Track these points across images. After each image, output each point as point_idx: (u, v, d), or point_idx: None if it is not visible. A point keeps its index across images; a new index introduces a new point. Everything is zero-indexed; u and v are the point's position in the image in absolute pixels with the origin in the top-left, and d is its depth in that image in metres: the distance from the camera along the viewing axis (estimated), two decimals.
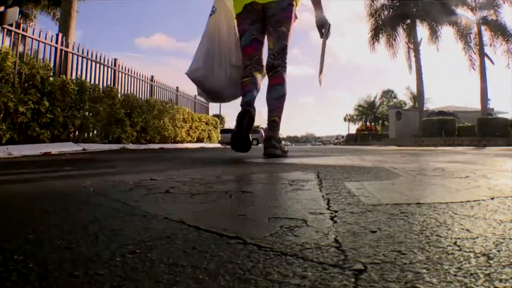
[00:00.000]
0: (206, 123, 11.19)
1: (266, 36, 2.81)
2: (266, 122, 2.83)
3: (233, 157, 3.25)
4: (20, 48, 4.31)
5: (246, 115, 2.56)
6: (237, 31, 2.86)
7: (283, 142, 3.29)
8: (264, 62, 2.82)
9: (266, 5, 2.62)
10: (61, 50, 5.17)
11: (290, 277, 0.42)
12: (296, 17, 2.83)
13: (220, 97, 3.06)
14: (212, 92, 2.98)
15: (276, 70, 2.71)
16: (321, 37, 2.93)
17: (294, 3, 2.71)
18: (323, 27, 2.88)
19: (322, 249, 0.53)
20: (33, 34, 4.50)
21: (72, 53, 5.48)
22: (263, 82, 2.86)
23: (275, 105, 2.72)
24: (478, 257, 0.49)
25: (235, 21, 2.82)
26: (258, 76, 2.76)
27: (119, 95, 5.97)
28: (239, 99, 2.81)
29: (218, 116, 16.81)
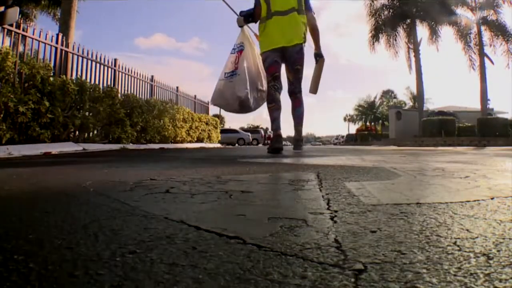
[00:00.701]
0: (206, 123, 11.20)
1: (284, 65, 3.89)
2: (293, 129, 4.10)
3: (233, 157, 3.26)
4: (21, 48, 4.32)
5: (279, 139, 3.85)
6: (261, 59, 3.93)
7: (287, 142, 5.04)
8: (281, 78, 3.89)
9: (284, 48, 3.68)
10: (61, 50, 5.17)
11: (290, 277, 0.42)
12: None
13: (247, 110, 4.17)
14: (235, 110, 4.17)
15: (296, 95, 3.92)
16: (316, 63, 4.10)
17: (304, 45, 3.78)
18: (318, 56, 4.11)
19: (322, 249, 0.53)
20: (33, 34, 4.50)
21: (72, 53, 5.48)
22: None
23: (299, 119, 3.99)
24: (478, 257, 0.49)
25: (258, 53, 3.96)
26: (279, 97, 3.84)
27: (119, 95, 5.97)
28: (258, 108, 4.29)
29: (218, 116, 16.81)
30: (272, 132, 4.03)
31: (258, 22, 3.85)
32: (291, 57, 3.74)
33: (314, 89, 4.19)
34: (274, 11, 3.63)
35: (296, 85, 3.90)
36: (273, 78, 3.75)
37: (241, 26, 4.04)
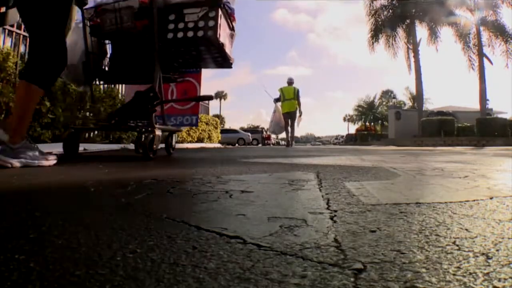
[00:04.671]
0: (207, 123, 11.19)
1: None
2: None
3: (233, 157, 3.26)
4: (22, 49, 4.32)
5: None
6: (281, 115, 9.75)
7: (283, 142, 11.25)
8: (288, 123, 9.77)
9: (288, 112, 9.47)
10: None
11: (290, 276, 0.42)
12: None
13: (280, 132, 10.47)
14: (277, 132, 10.75)
15: (292, 128, 9.68)
16: (299, 116, 9.68)
17: (296, 111, 9.50)
18: (299, 113, 9.75)
19: (321, 248, 0.53)
20: None
21: None
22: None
23: (292, 134, 9.97)
24: (477, 256, 0.49)
25: (282, 113, 9.73)
26: (288, 128, 9.82)
27: (119, 95, 5.97)
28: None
29: (218, 116, 16.81)
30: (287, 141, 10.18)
31: (280, 102, 9.69)
32: (291, 117, 9.54)
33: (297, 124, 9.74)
34: (284, 99, 9.50)
35: (293, 131, 9.77)
36: (285, 123, 9.64)
37: (275, 103, 9.95)
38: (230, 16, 2.95)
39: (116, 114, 2.75)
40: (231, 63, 3.22)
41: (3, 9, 1.96)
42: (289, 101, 9.13)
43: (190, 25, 2.64)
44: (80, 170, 1.81)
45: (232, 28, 3.05)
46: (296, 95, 9.12)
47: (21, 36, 4.27)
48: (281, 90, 9.40)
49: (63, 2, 1.96)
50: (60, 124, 4.17)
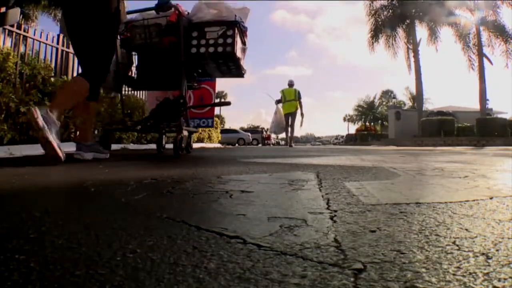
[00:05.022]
0: None
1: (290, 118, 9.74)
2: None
3: (233, 157, 3.26)
4: (22, 49, 4.31)
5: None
6: (282, 115, 9.69)
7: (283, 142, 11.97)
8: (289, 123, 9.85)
9: (289, 113, 9.67)
10: (62, 50, 5.17)
11: (290, 276, 0.42)
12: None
13: (280, 132, 10.41)
14: (278, 132, 10.66)
15: (293, 128, 9.90)
16: (302, 118, 9.97)
17: (296, 112, 9.71)
18: (301, 116, 9.96)
19: (321, 248, 0.53)
20: (34, 35, 4.50)
21: (73, 54, 5.47)
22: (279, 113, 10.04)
23: (291, 134, 10.13)
24: (477, 256, 0.49)
25: (281, 112, 9.66)
26: (288, 128, 9.92)
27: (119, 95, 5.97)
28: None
29: (218, 117, 16.80)
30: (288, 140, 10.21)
31: (281, 103, 9.78)
32: (291, 118, 9.70)
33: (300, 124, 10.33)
34: (285, 100, 9.69)
35: (292, 125, 9.82)
36: (286, 123, 9.72)
37: (276, 104, 9.90)
38: (243, 33, 3.36)
39: (151, 117, 3.17)
40: (244, 73, 3.62)
41: (3, 9, 1.96)
42: (289, 102, 9.62)
43: (211, 41, 3.07)
44: (80, 170, 1.81)
45: (244, 43, 3.43)
46: (297, 96, 9.62)
47: (21, 36, 4.27)
48: (282, 92, 9.86)
49: (115, 26, 2.36)
50: (60, 124, 4.18)
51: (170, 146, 3.29)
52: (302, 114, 9.75)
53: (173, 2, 2.88)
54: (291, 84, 9.90)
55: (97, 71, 2.31)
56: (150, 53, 3.22)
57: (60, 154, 2.00)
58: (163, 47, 3.09)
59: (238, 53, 3.19)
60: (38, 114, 1.92)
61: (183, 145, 3.05)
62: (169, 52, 3.11)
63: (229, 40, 3.07)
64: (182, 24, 3.01)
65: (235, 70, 3.47)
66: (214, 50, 3.07)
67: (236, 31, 3.10)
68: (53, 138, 1.98)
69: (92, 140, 2.52)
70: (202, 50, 3.09)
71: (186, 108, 3.20)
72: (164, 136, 3.58)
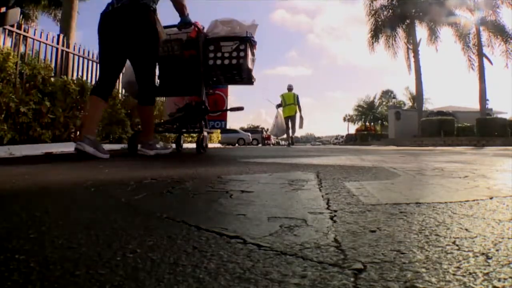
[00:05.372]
0: None
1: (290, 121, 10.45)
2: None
3: (233, 157, 3.26)
4: (22, 49, 4.31)
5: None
6: (283, 119, 10.35)
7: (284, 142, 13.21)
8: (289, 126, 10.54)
9: (289, 116, 10.32)
10: (62, 50, 5.16)
11: (290, 276, 0.42)
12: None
13: (282, 134, 11.07)
14: (279, 135, 11.39)
15: (294, 130, 10.70)
16: (301, 120, 10.54)
17: (295, 115, 10.39)
18: (301, 119, 10.61)
19: (321, 248, 0.53)
20: (34, 35, 4.49)
21: (73, 54, 5.47)
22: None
23: (293, 134, 10.97)
24: (477, 256, 0.49)
25: (282, 116, 10.37)
26: (289, 132, 10.61)
27: (119, 95, 5.97)
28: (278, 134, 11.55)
29: None
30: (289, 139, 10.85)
31: (281, 107, 10.32)
32: (292, 120, 10.29)
33: (300, 126, 10.58)
34: (285, 104, 10.24)
35: (293, 127, 10.41)
36: (286, 126, 10.28)
37: (277, 108, 10.39)
38: (253, 46, 3.79)
39: (177, 120, 3.76)
40: (253, 81, 4.07)
41: (3, 9, 1.96)
42: (289, 106, 10.26)
43: (226, 54, 3.53)
44: (80, 170, 1.81)
45: (253, 54, 3.86)
46: (296, 100, 10.31)
47: (21, 36, 4.27)
48: (282, 96, 10.49)
49: (158, 44, 2.82)
50: (60, 124, 4.17)
51: (186, 145, 3.77)
52: (301, 117, 10.46)
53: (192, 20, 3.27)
54: (290, 88, 10.49)
55: (147, 80, 2.82)
56: (172, 63, 3.62)
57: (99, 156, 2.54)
58: (184, 58, 3.56)
59: (249, 65, 3.62)
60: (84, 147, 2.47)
61: (204, 144, 3.62)
62: (189, 63, 3.54)
63: (241, 54, 3.53)
64: (201, 40, 3.48)
65: (246, 79, 3.89)
66: (229, 62, 3.54)
67: (248, 45, 3.56)
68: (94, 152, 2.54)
69: (153, 139, 3.02)
70: (218, 62, 3.55)
71: (207, 113, 3.67)
72: (181, 136, 4.19)
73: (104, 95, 2.68)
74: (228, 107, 4.57)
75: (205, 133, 3.66)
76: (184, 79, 3.62)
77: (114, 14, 2.64)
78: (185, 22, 3.13)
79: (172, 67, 3.64)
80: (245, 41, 3.53)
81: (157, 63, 2.91)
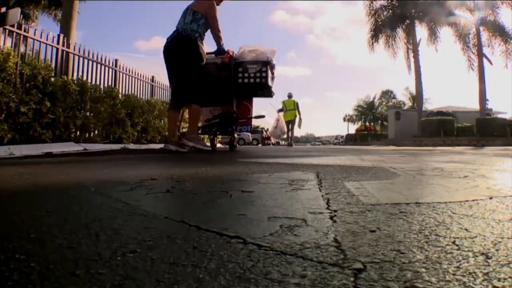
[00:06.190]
0: None
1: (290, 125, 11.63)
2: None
3: (233, 157, 3.26)
4: (22, 49, 4.31)
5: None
6: (284, 122, 10.61)
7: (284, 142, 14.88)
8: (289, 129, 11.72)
9: (289, 120, 11.53)
10: (62, 50, 5.16)
11: (290, 276, 0.42)
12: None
13: (282, 136, 12.09)
14: (280, 137, 12.77)
15: (293, 132, 12.10)
16: (299, 121, 11.71)
17: (295, 120, 11.76)
18: (299, 121, 11.79)
19: (321, 248, 0.53)
20: (34, 35, 4.50)
21: (73, 54, 5.47)
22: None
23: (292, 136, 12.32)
24: (476, 256, 0.49)
25: (282, 120, 10.59)
26: (288, 133, 11.84)
27: (120, 95, 5.97)
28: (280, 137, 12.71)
29: None
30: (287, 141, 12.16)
31: (282, 112, 11.19)
32: (291, 122, 11.43)
33: (299, 126, 11.67)
34: (286, 110, 11.45)
35: (293, 128, 11.57)
36: (287, 129, 10.91)
37: (278, 113, 10.52)
38: (272, 68, 4.81)
39: (214, 125, 4.78)
40: (273, 95, 5.19)
41: (3, 9, 1.96)
42: (290, 111, 11.64)
43: (252, 75, 4.59)
44: (80, 170, 1.81)
45: (273, 73, 4.87)
46: (295, 106, 11.77)
47: (22, 36, 4.27)
48: (283, 102, 11.97)
49: (201, 65, 3.88)
50: (60, 124, 4.17)
51: (219, 145, 4.51)
52: (300, 119, 11.85)
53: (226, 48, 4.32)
54: (290, 96, 12.07)
55: (192, 87, 3.84)
56: (210, 81, 4.48)
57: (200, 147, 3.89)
58: (219, 78, 4.56)
59: (269, 82, 4.67)
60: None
61: (235, 143, 4.85)
62: (223, 82, 4.55)
63: (263, 74, 4.56)
64: (232, 64, 4.52)
65: (267, 92, 5.01)
66: (254, 81, 4.57)
67: (268, 67, 4.60)
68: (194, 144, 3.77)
69: (196, 134, 3.99)
70: (246, 80, 4.59)
71: (237, 120, 4.73)
72: (215, 137, 5.49)
73: (175, 108, 3.98)
74: (253, 115, 5.49)
75: (236, 135, 4.78)
76: (220, 93, 4.63)
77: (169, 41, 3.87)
78: (220, 50, 4.17)
79: (210, 84, 4.52)
80: (266, 65, 4.59)
81: (200, 77, 3.85)
